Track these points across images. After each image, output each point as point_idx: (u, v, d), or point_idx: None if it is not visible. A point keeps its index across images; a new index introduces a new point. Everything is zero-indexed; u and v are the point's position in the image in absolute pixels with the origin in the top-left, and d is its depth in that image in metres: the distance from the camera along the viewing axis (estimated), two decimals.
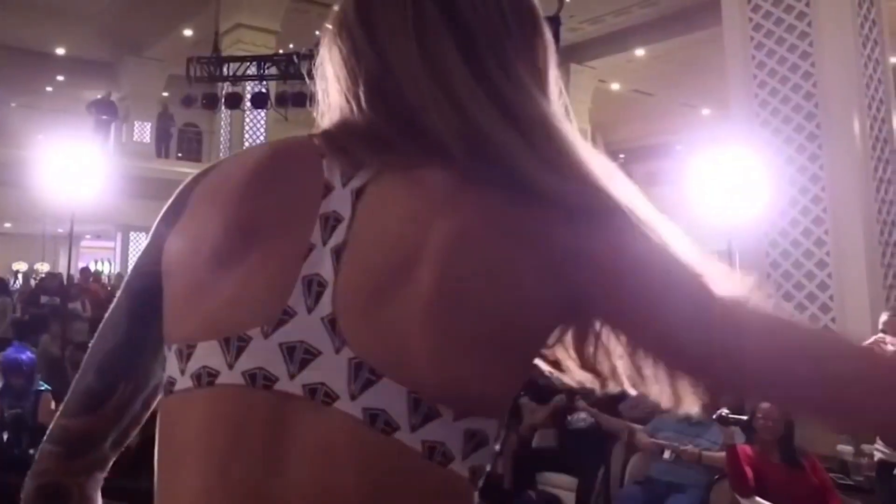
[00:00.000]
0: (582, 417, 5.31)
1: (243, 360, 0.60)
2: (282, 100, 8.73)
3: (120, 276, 12.61)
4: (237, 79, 8.65)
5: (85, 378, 0.73)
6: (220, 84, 9.27)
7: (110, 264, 10.56)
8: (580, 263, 0.60)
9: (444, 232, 0.59)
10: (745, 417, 3.79)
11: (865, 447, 4.22)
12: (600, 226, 0.61)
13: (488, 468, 0.62)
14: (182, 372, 0.62)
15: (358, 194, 0.63)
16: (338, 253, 0.61)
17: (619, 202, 0.62)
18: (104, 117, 13.26)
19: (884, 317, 3.71)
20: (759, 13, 4.92)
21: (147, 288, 0.70)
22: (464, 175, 0.62)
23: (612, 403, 5.41)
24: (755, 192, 4.86)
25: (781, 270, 4.90)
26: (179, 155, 16.30)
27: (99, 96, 13.59)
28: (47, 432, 0.75)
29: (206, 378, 0.60)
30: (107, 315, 0.75)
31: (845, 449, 4.25)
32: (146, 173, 11.84)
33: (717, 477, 4.27)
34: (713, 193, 5.09)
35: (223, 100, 8.94)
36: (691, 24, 13.11)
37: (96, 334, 0.75)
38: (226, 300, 0.62)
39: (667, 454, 4.47)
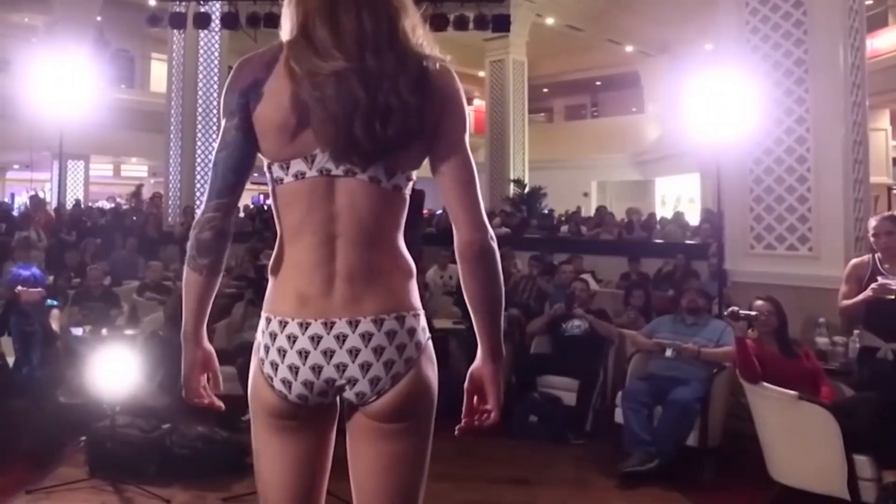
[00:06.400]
0: (576, 325, 5.65)
1: (315, 165, 1.35)
2: (253, 20, 8.38)
3: (78, 203, 11.87)
4: None
5: (224, 175, 1.39)
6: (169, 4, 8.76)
7: (50, 194, 9.99)
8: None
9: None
10: (754, 313, 4.16)
11: (837, 338, 4.77)
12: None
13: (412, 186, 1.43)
14: (286, 174, 1.36)
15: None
16: None
17: None
18: None
19: (873, 221, 4.06)
20: None
21: (247, 130, 1.37)
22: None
23: (604, 313, 5.80)
24: (742, 113, 5.21)
25: (764, 185, 5.34)
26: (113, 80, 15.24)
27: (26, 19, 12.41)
28: (203, 211, 1.40)
29: (300, 176, 1.36)
30: (222, 141, 1.39)
31: (822, 340, 4.78)
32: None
33: (715, 371, 4.68)
34: (701, 113, 5.39)
35: (192, 19, 8.48)
36: None
37: (218, 151, 1.39)
38: (300, 143, 1.34)
39: (669, 352, 4.82)
